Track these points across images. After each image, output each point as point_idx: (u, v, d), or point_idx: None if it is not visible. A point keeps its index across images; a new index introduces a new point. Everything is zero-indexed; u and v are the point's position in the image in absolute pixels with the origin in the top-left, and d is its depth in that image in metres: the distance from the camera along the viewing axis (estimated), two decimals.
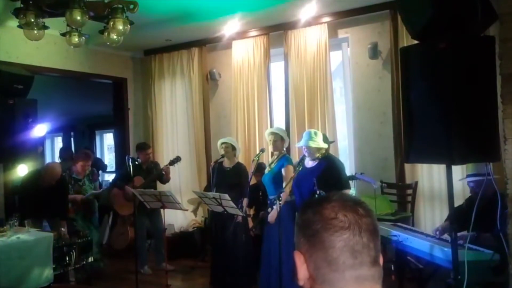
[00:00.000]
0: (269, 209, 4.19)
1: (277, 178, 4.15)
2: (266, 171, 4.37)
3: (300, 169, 3.86)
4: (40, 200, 4.62)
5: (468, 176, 3.57)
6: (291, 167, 4.12)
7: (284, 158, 4.28)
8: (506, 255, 2.54)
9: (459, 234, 3.01)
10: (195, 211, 5.97)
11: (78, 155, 5.64)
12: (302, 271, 0.93)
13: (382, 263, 0.94)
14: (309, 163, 3.98)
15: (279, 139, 4.30)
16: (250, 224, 4.98)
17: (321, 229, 0.91)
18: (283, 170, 4.14)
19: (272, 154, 4.49)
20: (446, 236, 3.62)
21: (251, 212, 5.21)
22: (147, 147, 5.72)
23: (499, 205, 2.56)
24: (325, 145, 3.93)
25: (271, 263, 4.10)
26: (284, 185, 4.03)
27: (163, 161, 6.73)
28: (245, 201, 4.47)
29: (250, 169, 4.83)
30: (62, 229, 4.66)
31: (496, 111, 2.36)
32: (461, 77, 2.31)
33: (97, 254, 5.10)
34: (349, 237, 0.89)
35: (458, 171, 3.95)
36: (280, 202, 3.81)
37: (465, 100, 2.31)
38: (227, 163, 4.73)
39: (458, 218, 2.86)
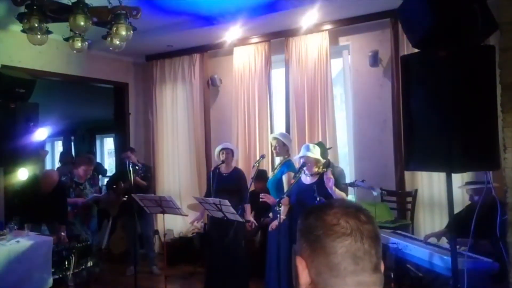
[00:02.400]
0: (270, 214, 4.19)
1: (279, 184, 4.16)
2: (270, 176, 4.39)
3: (300, 175, 3.86)
4: (39, 206, 4.62)
5: (467, 183, 3.59)
6: (291, 174, 4.13)
7: (285, 164, 4.29)
8: (505, 263, 2.54)
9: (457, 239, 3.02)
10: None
11: (80, 160, 5.66)
12: (304, 277, 0.94)
13: (383, 270, 0.95)
14: (307, 179, 3.95)
15: (280, 145, 4.32)
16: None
17: (323, 235, 0.91)
18: (283, 177, 4.15)
19: (273, 159, 4.51)
20: (433, 240, 3.64)
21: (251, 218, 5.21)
22: (124, 151, 5.76)
23: (499, 213, 2.57)
24: (323, 160, 3.93)
25: (271, 267, 4.11)
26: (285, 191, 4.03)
27: (163, 166, 6.76)
28: (248, 207, 4.49)
29: (250, 175, 4.83)
30: (62, 233, 4.66)
31: (496, 120, 2.37)
32: (461, 85, 2.33)
33: (94, 259, 5.08)
34: (351, 243, 0.89)
35: (458, 179, 3.96)
36: (281, 208, 3.81)
37: (465, 108, 2.33)
38: (224, 169, 4.72)
39: (456, 225, 2.86)
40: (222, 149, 4.70)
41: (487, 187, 2.61)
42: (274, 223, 4.02)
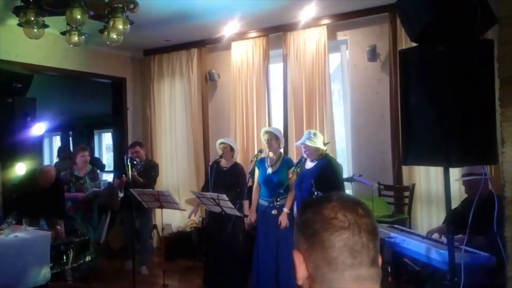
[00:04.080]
0: (273, 211, 4.17)
1: (283, 181, 4.12)
2: (268, 172, 4.34)
3: (298, 170, 3.89)
4: (37, 200, 4.62)
5: (463, 176, 3.60)
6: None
7: (286, 160, 4.32)
8: (502, 258, 2.55)
9: (455, 237, 3.03)
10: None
11: (75, 150, 5.69)
12: (301, 271, 0.94)
13: (380, 264, 0.95)
14: (308, 164, 4.01)
15: (273, 138, 4.32)
16: None
17: (320, 228, 0.91)
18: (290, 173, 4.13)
19: (268, 154, 4.49)
20: (436, 236, 3.65)
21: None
22: (132, 146, 5.64)
23: (496, 207, 2.57)
24: (324, 147, 3.96)
25: (266, 263, 4.12)
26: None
27: (161, 161, 6.75)
28: (246, 203, 4.49)
29: (248, 169, 4.84)
30: (58, 227, 4.66)
31: (494, 114, 2.37)
32: (460, 79, 2.32)
33: (93, 253, 5.10)
34: (349, 237, 0.89)
35: (455, 174, 3.97)
36: (278, 204, 3.84)
37: (463, 102, 2.32)
38: (224, 163, 4.72)
39: (453, 220, 2.87)
40: (221, 143, 4.71)
41: (483, 180, 2.61)
42: (284, 221, 4.09)
